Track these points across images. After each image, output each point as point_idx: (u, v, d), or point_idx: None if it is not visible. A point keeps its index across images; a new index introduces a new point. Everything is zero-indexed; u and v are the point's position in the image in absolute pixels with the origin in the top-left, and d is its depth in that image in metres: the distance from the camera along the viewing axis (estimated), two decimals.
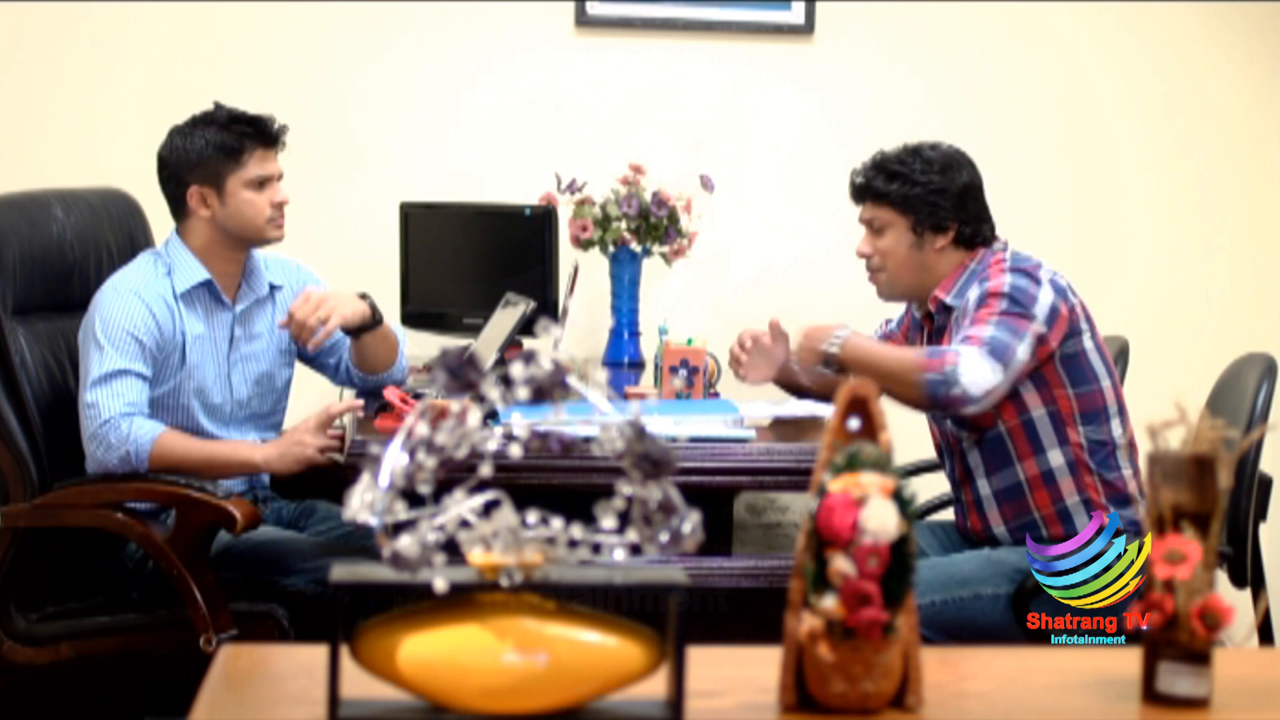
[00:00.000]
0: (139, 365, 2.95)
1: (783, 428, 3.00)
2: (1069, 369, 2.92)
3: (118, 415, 2.90)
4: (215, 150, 3.04)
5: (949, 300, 2.97)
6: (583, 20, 4.19)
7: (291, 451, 2.95)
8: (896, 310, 3.27)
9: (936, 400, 2.78)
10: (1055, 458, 2.93)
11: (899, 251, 3.01)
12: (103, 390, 2.91)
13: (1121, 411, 2.96)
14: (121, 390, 2.92)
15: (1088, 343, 2.93)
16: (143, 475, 2.92)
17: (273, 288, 3.21)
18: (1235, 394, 3.09)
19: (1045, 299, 2.87)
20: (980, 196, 3.05)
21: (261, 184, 3.06)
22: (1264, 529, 3.17)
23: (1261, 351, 3.18)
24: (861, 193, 3.06)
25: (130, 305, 2.98)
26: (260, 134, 3.07)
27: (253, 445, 3.06)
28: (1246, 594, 3.06)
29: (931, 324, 3.05)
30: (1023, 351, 2.83)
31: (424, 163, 4.18)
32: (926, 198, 2.98)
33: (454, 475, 1.49)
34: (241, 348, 3.16)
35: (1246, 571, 3.04)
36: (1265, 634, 3.08)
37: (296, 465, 2.95)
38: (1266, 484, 3.22)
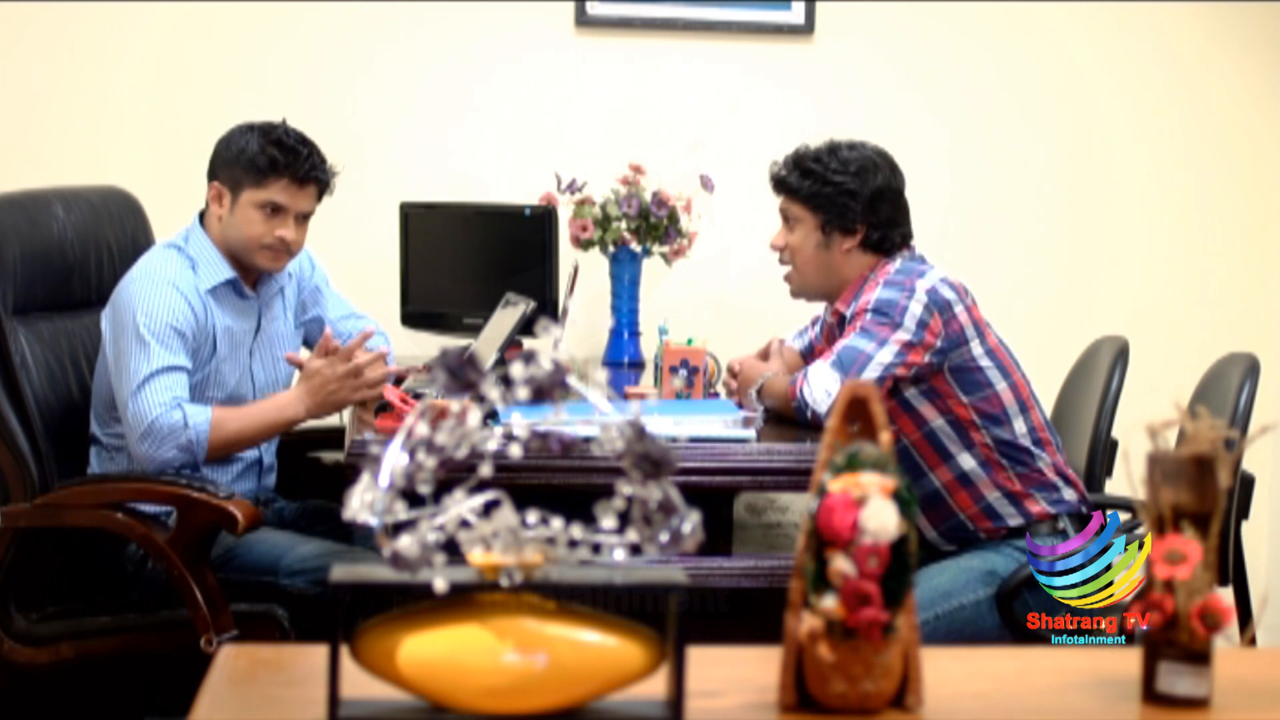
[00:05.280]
0: (182, 358, 2.95)
1: (782, 428, 3.00)
2: (959, 379, 2.95)
3: (166, 410, 2.89)
4: (245, 160, 3.03)
5: (846, 313, 3.02)
6: (583, 20, 4.18)
7: (330, 400, 2.97)
8: (819, 312, 3.32)
9: (808, 421, 2.89)
10: (966, 461, 2.97)
11: (806, 249, 3.05)
12: (150, 388, 2.89)
13: (1025, 409, 2.98)
14: (168, 385, 2.91)
15: (977, 349, 2.96)
16: (143, 475, 2.92)
17: (287, 275, 3.24)
18: (1218, 394, 3.11)
19: (914, 310, 2.91)
20: (896, 201, 3.05)
21: (274, 211, 3.04)
22: (1246, 527, 3.19)
23: (1244, 351, 3.19)
24: (777, 185, 3.09)
25: (170, 298, 2.97)
26: (288, 165, 3.03)
27: (288, 401, 3.00)
28: (1228, 591, 3.08)
29: (837, 334, 3.08)
30: (884, 355, 2.88)
31: (424, 163, 4.18)
32: (837, 198, 3.00)
33: (454, 475, 1.49)
34: (263, 336, 3.18)
35: (1229, 569, 3.07)
36: (1245, 625, 3.12)
37: (334, 410, 3.03)
38: (1249, 483, 3.23)
